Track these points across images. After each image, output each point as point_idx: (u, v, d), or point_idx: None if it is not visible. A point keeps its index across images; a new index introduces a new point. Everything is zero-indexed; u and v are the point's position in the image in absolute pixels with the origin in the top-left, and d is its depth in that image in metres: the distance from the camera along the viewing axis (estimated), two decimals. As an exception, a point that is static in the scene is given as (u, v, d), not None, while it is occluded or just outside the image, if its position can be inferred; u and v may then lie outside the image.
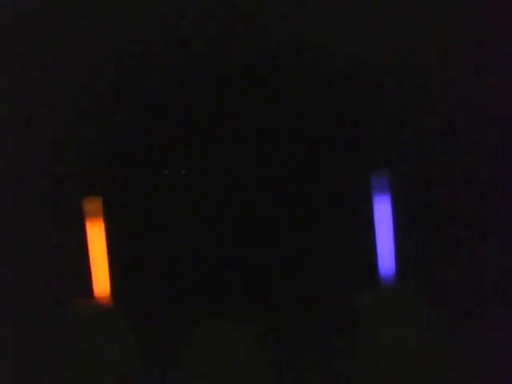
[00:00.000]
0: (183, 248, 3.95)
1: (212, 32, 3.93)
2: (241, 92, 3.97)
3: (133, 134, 3.99)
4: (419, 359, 3.62)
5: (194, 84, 3.98)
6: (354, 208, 3.85)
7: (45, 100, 3.90)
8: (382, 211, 3.77)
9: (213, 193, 3.99)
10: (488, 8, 3.85)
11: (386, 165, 3.85)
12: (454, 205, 3.87)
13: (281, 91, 3.96)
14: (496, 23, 3.84)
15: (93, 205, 3.85)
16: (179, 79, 3.98)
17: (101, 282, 3.80)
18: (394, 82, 3.92)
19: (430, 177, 3.91)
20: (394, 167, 3.86)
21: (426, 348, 3.64)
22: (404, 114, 3.94)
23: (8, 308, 3.76)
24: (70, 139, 3.92)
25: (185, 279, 3.92)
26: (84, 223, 3.82)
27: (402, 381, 3.62)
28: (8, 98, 3.87)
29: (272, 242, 3.92)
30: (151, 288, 3.90)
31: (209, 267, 3.92)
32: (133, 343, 3.73)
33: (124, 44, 3.91)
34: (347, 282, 3.80)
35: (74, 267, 3.80)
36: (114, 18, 3.88)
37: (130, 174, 4.00)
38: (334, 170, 3.95)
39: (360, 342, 3.70)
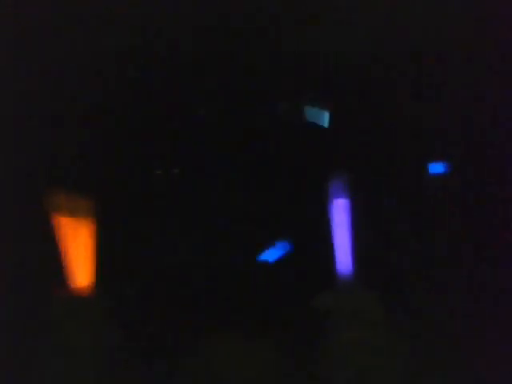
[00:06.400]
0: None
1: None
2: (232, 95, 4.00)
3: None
4: (378, 360, 3.65)
5: (185, 87, 4.00)
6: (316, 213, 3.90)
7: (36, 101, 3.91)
8: (341, 215, 3.84)
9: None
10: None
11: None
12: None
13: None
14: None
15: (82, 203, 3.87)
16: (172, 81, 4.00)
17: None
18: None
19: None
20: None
21: (385, 349, 3.68)
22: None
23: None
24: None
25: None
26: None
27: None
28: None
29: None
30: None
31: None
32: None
33: (119, 46, 3.92)
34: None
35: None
36: (111, 18, 3.89)
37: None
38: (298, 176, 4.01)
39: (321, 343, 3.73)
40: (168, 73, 4.00)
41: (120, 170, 4.01)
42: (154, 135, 4.04)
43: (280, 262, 3.96)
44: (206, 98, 4.02)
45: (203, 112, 4.07)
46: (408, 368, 3.65)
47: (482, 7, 3.86)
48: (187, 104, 4.04)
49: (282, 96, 4.07)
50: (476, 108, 3.93)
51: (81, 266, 3.83)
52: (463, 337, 3.74)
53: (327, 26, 3.94)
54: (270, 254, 3.99)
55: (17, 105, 3.86)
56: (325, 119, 4.07)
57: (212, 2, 3.94)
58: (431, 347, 3.72)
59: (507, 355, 3.67)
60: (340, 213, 3.83)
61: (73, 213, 3.84)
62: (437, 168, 4.02)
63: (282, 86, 4.04)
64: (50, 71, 3.90)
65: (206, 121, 4.06)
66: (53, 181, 3.86)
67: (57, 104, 3.90)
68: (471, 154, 3.95)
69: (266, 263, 3.97)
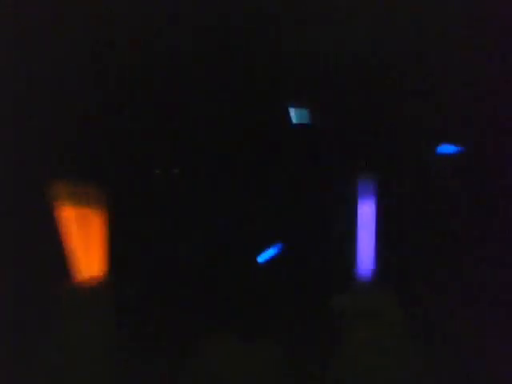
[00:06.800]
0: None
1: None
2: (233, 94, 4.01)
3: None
4: (395, 361, 3.64)
5: (186, 86, 4.00)
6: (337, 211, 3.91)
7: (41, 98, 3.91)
8: (363, 215, 3.86)
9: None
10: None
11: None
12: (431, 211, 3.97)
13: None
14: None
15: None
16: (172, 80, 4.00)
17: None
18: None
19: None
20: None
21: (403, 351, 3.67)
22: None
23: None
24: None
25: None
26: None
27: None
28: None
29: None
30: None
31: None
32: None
33: (119, 46, 3.92)
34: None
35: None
36: (111, 18, 3.89)
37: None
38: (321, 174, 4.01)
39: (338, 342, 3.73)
40: (168, 73, 4.00)
41: (119, 170, 4.01)
42: (154, 135, 4.05)
43: (285, 262, 3.96)
44: (206, 98, 4.02)
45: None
46: (415, 368, 3.66)
47: (481, 7, 3.86)
48: (187, 104, 4.04)
49: (282, 96, 4.07)
50: (476, 108, 3.93)
51: (80, 266, 3.84)
52: (463, 337, 3.74)
53: (327, 26, 3.94)
54: (272, 254, 3.99)
55: (17, 105, 3.87)
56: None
57: (212, 2, 3.94)
58: (431, 347, 3.72)
59: (507, 355, 3.67)
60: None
61: (72, 213, 3.84)
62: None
63: (281, 86, 4.04)
64: (49, 71, 3.90)
65: (206, 121, 4.06)
66: (52, 181, 3.86)
67: (57, 104, 3.90)
68: (471, 154, 3.96)
69: (268, 263, 3.97)
